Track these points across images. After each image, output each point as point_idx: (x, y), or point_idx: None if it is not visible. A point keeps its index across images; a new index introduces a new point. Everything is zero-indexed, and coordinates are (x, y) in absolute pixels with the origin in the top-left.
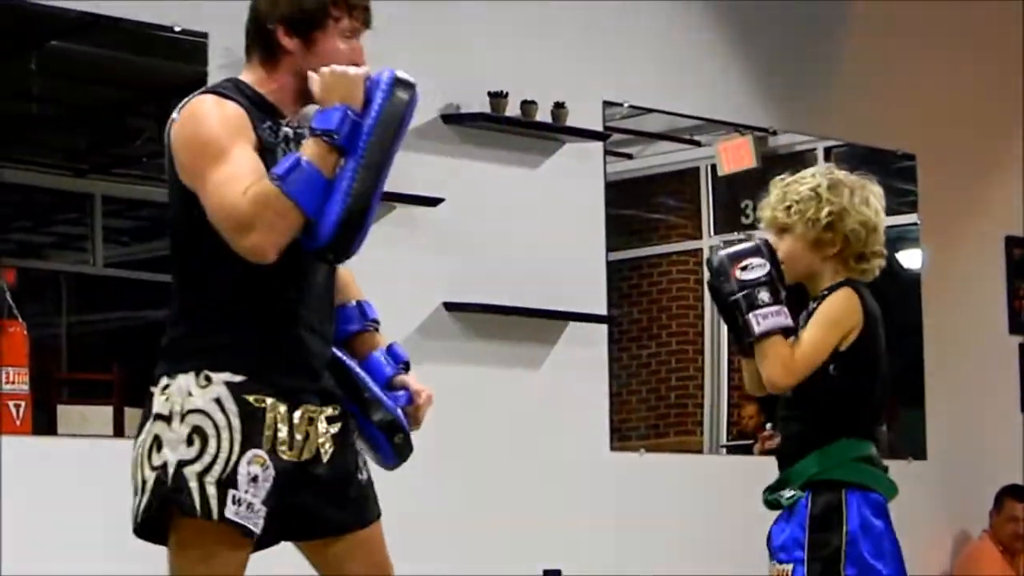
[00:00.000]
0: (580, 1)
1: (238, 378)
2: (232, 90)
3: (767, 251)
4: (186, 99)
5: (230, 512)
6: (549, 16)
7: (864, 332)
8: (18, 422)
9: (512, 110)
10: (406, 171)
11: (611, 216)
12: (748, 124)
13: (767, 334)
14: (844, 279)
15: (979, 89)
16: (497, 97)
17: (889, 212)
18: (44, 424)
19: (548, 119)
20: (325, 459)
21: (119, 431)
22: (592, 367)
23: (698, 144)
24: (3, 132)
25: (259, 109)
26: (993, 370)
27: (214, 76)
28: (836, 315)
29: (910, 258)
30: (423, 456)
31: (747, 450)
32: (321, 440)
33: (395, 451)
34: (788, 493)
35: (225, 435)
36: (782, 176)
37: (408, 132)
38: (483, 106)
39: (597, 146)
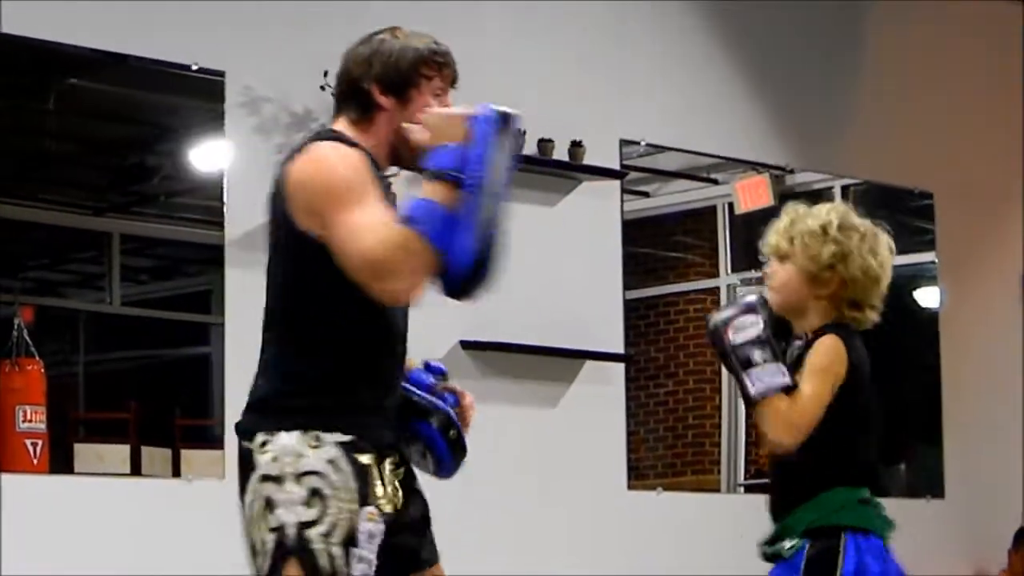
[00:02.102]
0: (597, 40)
1: (347, 437)
2: (346, 140)
3: (762, 307)
4: (299, 145)
5: (357, 572)
6: (566, 55)
7: (849, 380)
8: (35, 460)
9: (529, 149)
10: None
11: (628, 254)
12: (765, 162)
13: (764, 396)
14: (831, 322)
15: (996, 127)
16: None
17: (906, 250)
18: (61, 462)
19: (565, 157)
20: (402, 503)
21: (136, 469)
22: (609, 406)
23: (715, 182)
24: (21, 170)
25: (370, 159)
26: (1011, 408)
27: (231, 114)
28: (827, 363)
29: (928, 296)
30: (439, 494)
31: (765, 489)
32: (398, 485)
33: (450, 449)
34: (788, 544)
35: (343, 496)
36: (797, 205)
37: None
38: None
39: (614, 184)
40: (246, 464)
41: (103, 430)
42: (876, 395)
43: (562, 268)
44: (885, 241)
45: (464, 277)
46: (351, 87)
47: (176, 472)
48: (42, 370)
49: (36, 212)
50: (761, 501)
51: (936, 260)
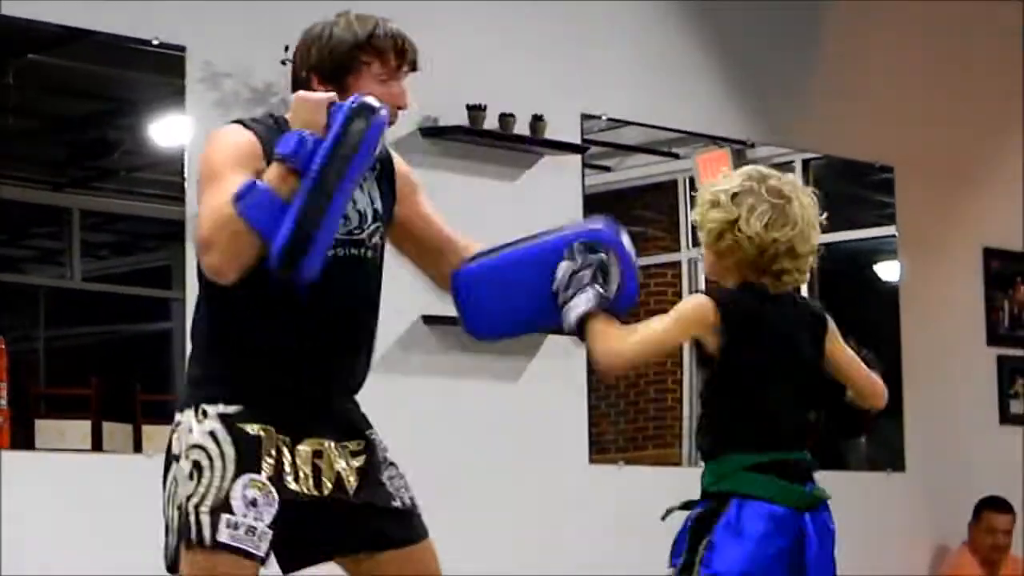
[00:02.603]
0: (557, 14)
1: (231, 408)
2: (263, 123)
3: (576, 250)
4: None
5: (223, 536)
6: (527, 29)
7: (729, 340)
8: None
9: (490, 123)
10: None
11: None
12: (726, 136)
13: (580, 325)
14: (733, 284)
15: (957, 101)
16: (475, 110)
17: (867, 224)
18: (22, 439)
19: (526, 132)
20: (351, 491)
21: (97, 445)
22: (571, 380)
23: (676, 156)
24: None
25: None
26: (971, 382)
27: (192, 89)
28: (681, 312)
29: (888, 270)
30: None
31: None
32: (344, 474)
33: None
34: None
35: (218, 464)
36: (724, 170)
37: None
38: (461, 119)
39: (575, 159)
40: (168, 447)
41: (64, 406)
42: (799, 352)
43: None
44: (799, 200)
45: (276, 262)
46: (294, 76)
47: (137, 447)
48: (3, 346)
49: None
50: None
51: (896, 234)
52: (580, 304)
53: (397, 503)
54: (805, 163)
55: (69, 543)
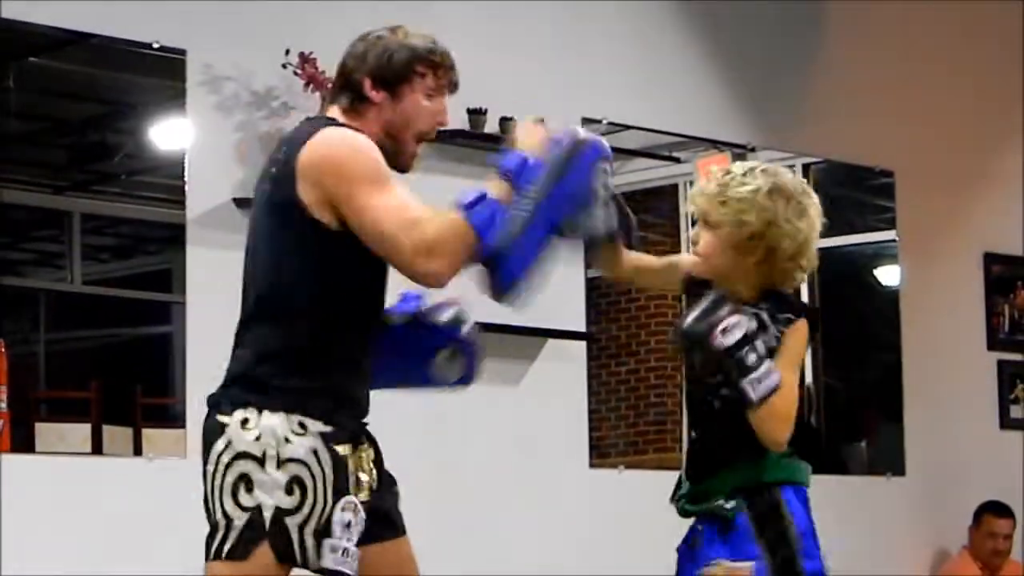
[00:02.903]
0: (558, 18)
1: (328, 428)
2: (352, 128)
3: (727, 300)
4: (303, 132)
5: (329, 561)
6: (527, 33)
7: None
8: None
9: (491, 127)
10: None
11: None
12: (727, 140)
13: (764, 400)
14: (783, 294)
15: (958, 106)
16: (476, 114)
17: (867, 229)
18: (22, 442)
19: None
20: (375, 487)
21: (97, 449)
22: (571, 384)
23: (677, 161)
24: None
25: None
26: (972, 386)
27: (192, 92)
28: (799, 352)
29: (888, 275)
30: (400, 472)
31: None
32: (371, 471)
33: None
34: (730, 504)
35: (320, 486)
36: (727, 169)
37: None
38: (462, 123)
39: None
40: (216, 435)
41: (64, 409)
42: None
43: None
44: (814, 200)
45: (511, 285)
46: (345, 79)
47: (137, 451)
48: (2, 349)
49: None
50: None
51: (897, 238)
52: (773, 379)
53: (397, 488)
54: (806, 167)
55: (69, 547)
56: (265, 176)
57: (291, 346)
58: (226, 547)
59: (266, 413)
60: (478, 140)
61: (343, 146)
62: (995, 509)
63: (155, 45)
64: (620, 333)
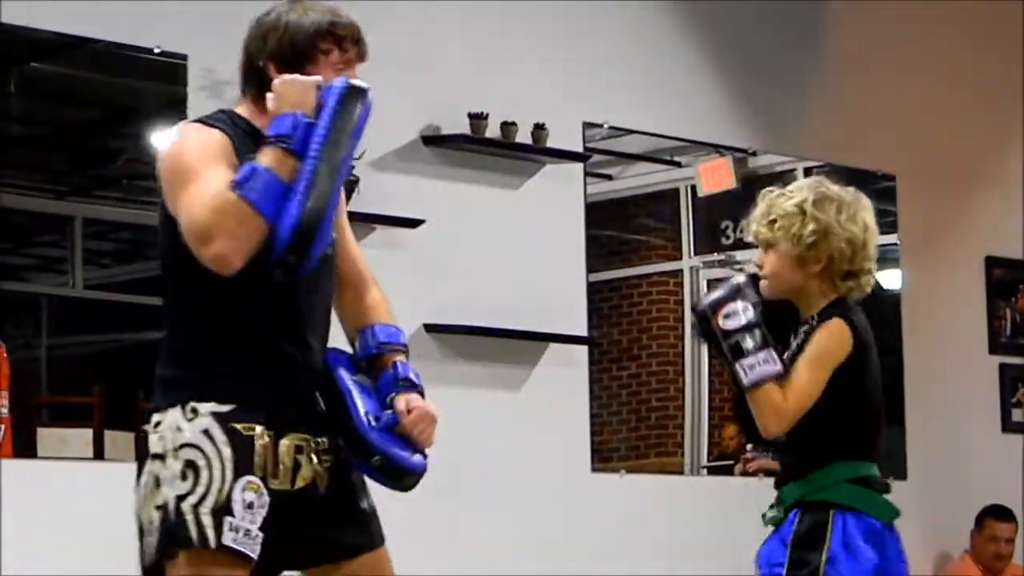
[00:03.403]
0: (560, 23)
1: (225, 408)
2: (221, 120)
3: (750, 289)
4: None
5: (227, 539)
6: (529, 38)
7: (852, 358)
8: None
9: (492, 132)
10: (386, 193)
11: (591, 237)
12: (728, 145)
13: (756, 385)
14: (834, 301)
15: (959, 110)
16: (477, 119)
17: None
18: (24, 447)
19: (528, 140)
20: (322, 488)
21: (99, 454)
22: (573, 388)
23: (678, 165)
24: None
25: (251, 140)
26: (974, 390)
27: (194, 97)
28: (828, 351)
29: (890, 278)
30: None
31: (728, 471)
32: (317, 470)
33: (380, 474)
34: (770, 513)
35: (216, 464)
36: (771, 188)
37: (389, 154)
38: (463, 128)
39: (577, 167)
40: (143, 446)
41: (66, 414)
42: (879, 369)
43: (525, 251)
44: (864, 204)
45: (286, 244)
46: (249, 65)
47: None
48: (4, 354)
49: None
50: (722, 483)
51: (898, 242)
52: (770, 366)
53: (364, 504)
54: (807, 171)
55: (71, 552)
56: None
57: (182, 340)
58: (149, 550)
59: (169, 411)
60: (479, 144)
61: (174, 144)
62: (997, 513)
63: (156, 50)
64: (622, 337)
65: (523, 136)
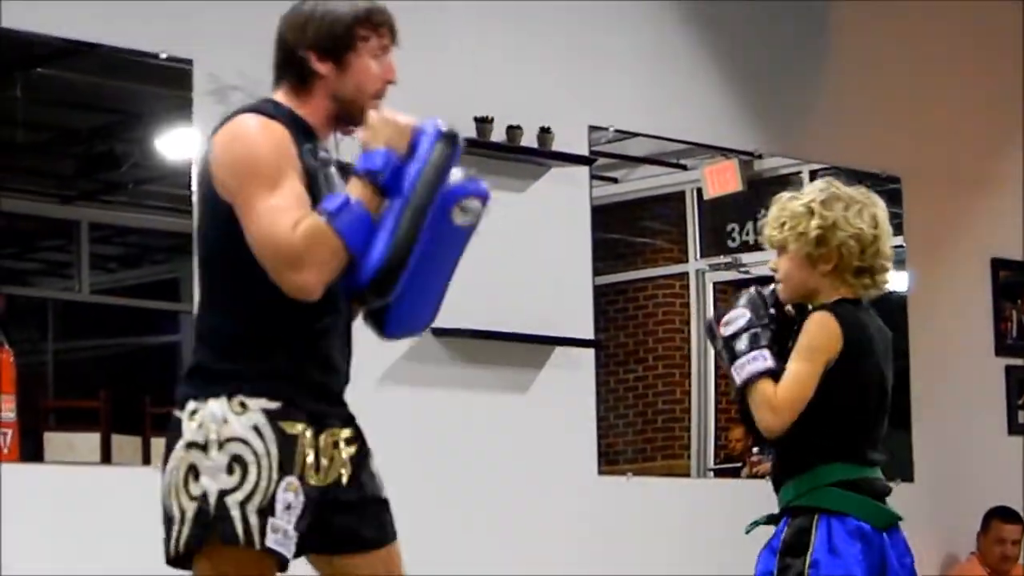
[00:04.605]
0: (565, 26)
1: (274, 405)
2: (276, 111)
3: (757, 299)
4: (225, 118)
5: (270, 541)
6: (534, 41)
7: (844, 354)
8: (5, 450)
9: (498, 135)
10: None
11: (597, 240)
12: (733, 148)
13: (748, 384)
14: (835, 300)
15: (964, 111)
16: (482, 122)
17: None
18: (31, 451)
19: (534, 144)
20: (345, 481)
21: (106, 458)
22: (579, 391)
23: (684, 168)
24: None
25: (299, 131)
26: (980, 392)
27: (199, 102)
28: (814, 343)
29: (896, 280)
30: (410, 480)
31: (734, 473)
32: (345, 463)
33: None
34: (760, 520)
35: (264, 463)
36: (783, 194)
37: None
38: (468, 131)
39: (583, 171)
40: (175, 432)
41: (73, 419)
42: (886, 367)
43: (531, 254)
44: (875, 202)
45: (369, 282)
46: (287, 55)
47: (147, 460)
48: (11, 359)
49: (4, 201)
50: (730, 486)
51: (904, 244)
52: (759, 363)
53: (383, 495)
54: (812, 174)
55: (77, 556)
56: (201, 163)
57: (231, 332)
58: (182, 540)
59: (210, 401)
60: (485, 148)
61: (235, 142)
62: (1003, 514)
63: (162, 55)
64: (628, 340)
65: (528, 139)
